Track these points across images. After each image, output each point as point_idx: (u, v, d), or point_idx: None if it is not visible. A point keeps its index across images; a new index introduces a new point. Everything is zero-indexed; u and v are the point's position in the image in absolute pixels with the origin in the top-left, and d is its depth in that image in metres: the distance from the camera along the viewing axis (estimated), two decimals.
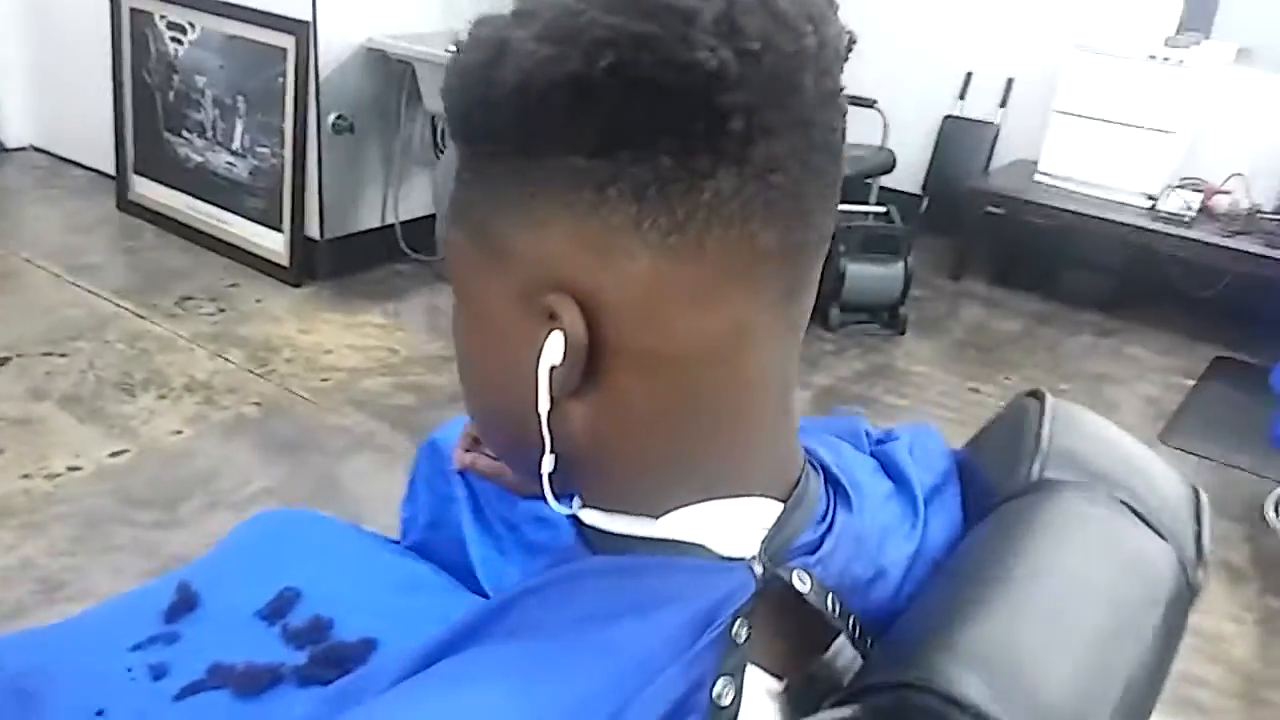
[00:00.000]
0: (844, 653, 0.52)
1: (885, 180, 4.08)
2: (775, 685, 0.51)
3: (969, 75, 4.24)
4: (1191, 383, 3.31)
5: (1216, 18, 3.68)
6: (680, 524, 0.52)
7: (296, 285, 3.24)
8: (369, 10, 3.14)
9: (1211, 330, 3.60)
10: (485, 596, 0.99)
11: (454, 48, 0.51)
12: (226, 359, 2.80)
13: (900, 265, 3.39)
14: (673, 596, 0.49)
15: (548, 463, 0.52)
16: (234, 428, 2.48)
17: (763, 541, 0.52)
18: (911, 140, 4.27)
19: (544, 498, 0.54)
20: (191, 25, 3.34)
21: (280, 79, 3.13)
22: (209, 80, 3.35)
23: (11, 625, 1.73)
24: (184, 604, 0.95)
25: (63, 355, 2.73)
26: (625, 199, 0.46)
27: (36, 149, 4.28)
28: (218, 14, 3.24)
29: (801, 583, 0.52)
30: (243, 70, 3.24)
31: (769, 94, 0.46)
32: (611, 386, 0.50)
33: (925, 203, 4.32)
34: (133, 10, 3.49)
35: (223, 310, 3.07)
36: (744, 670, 0.48)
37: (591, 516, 0.55)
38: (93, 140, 3.86)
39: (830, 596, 0.53)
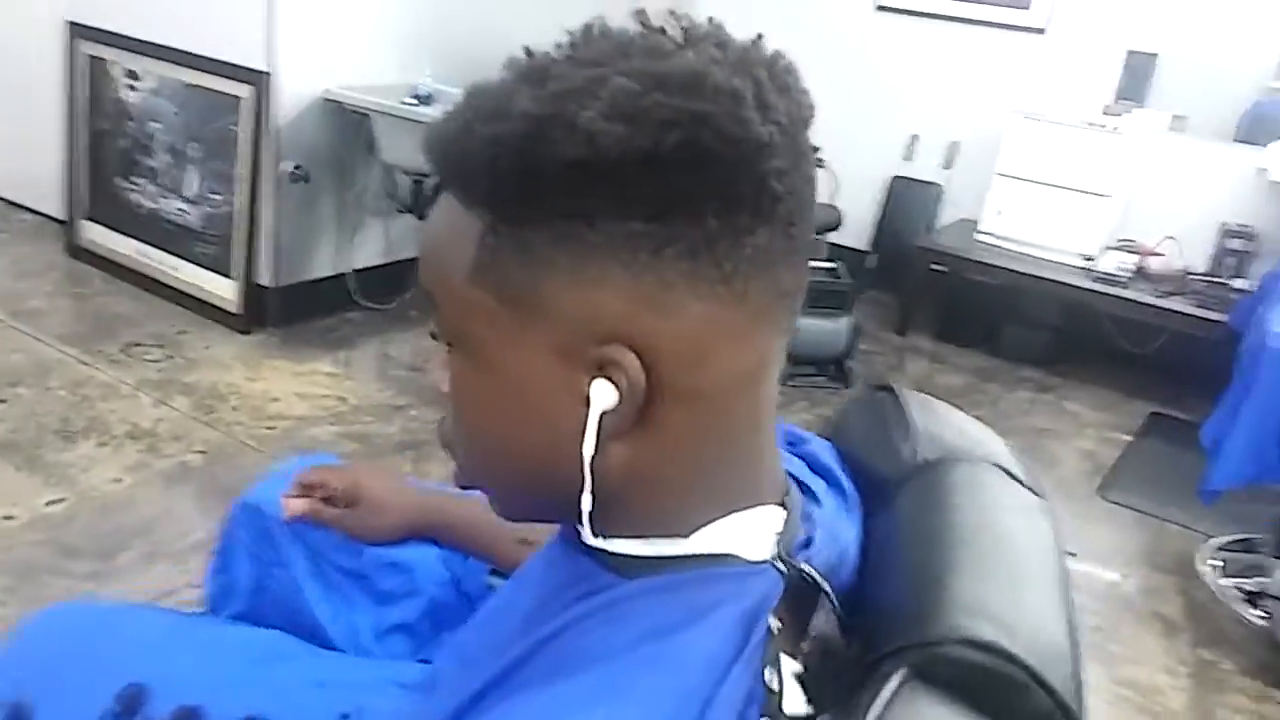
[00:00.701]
0: (832, 628, 0.60)
1: (834, 237, 4.18)
2: (795, 665, 0.58)
3: (914, 137, 4.37)
4: (1128, 438, 3.39)
5: (1152, 88, 3.83)
6: (709, 539, 0.58)
7: (246, 332, 3.23)
8: (326, 62, 3.17)
9: (1147, 387, 3.71)
10: (340, 652, 0.98)
11: (469, 116, 0.53)
12: (171, 406, 2.78)
13: (846, 320, 3.46)
14: (719, 602, 0.54)
15: (587, 501, 0.56)
16: (176, 476, 2.46)
17: (776, 543, 0.59)
18: (860, 198, 4.38)
19: (577, 531, 0.59)
20: (149, 73, 3.36)
21: (236, 127, 3.15)
22: (164, 127, 3.35)
23: None
24: (17, 716, 0.87)
25: (2, 401, 2.69)
26: (680, 257, 0.52)
27: None
28: (177, 63, 3.25)
29: (813, 576, 0.60)
30: (198, 118, 3.26)
31: (793, 159, 0.54)
32: (656, 424, 0.54)
33: (873, 259, 4.45)
34: (90, 57, 3.50)
35: (170, 357, 3.05)
36: (780, 657, 0.55)
37: (621, 545, 0.59)
38: (42, 184, 3.84)
39: (826, 582, 0.61)
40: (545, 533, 0.70)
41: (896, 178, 4.41)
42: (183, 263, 3.38)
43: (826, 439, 0.78)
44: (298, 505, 0.95)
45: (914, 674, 0.55)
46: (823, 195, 3.28)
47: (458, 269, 0.55)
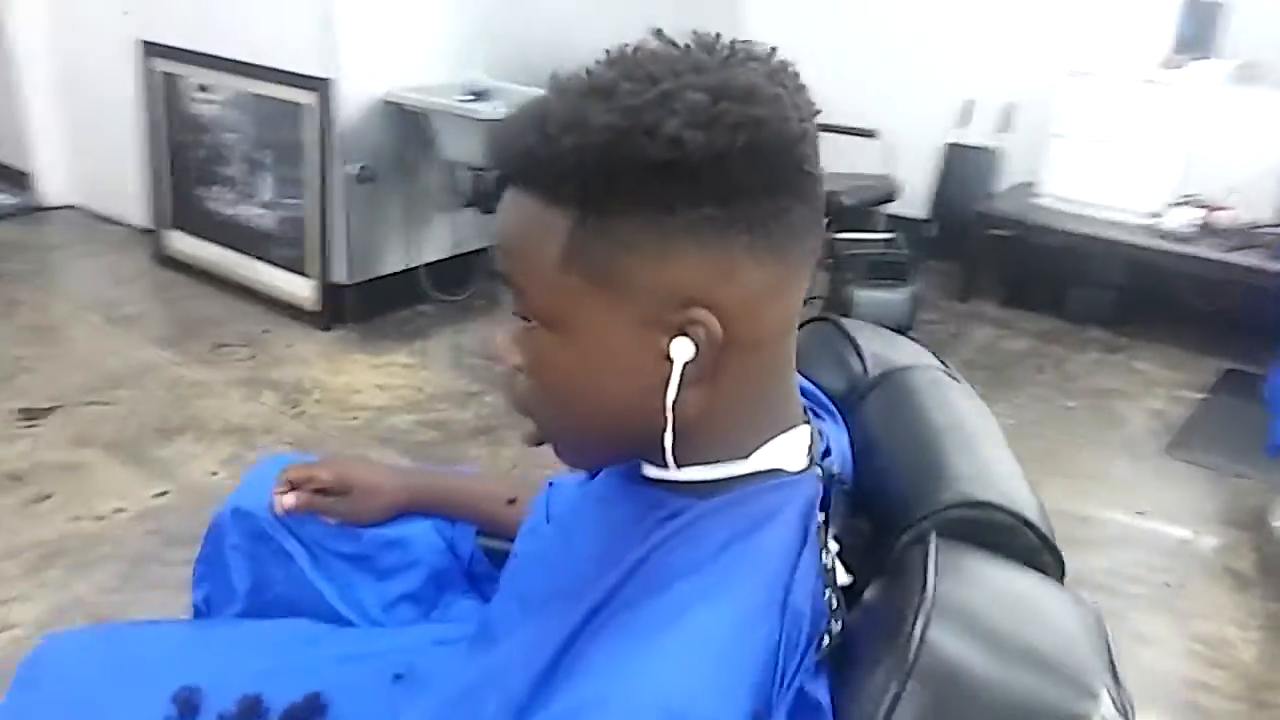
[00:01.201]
0: (847, 510, 0.75)
1: (891, 208, 4.19)
2: (834, 546, 0.72)
3: (970, 102, 4.34)
4: (1200, 396, 3.36)
5: (1219, 35, 3.76)
6: (763, 457, 0.70)
7: (326, 329, 3.38)
8: (384, 66, 3.29)
9: (1218, 343, 3.66)
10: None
11: (545, 129, 0.62)
12: (260, 402, 2.94)
13: (907, 290, 3.47)
14: (780, 507, 0.67)
15: (669, 439, 0.67)
16: None
17: (808, 455, 0.71)
18: (916, 167, 4.37)
19: (664, 464, 0.69)
20: (219, 86, 3.52)
21: (303, 133, 3.29)
22: (237, 136, 3.52)
23: None
24: None
25: (105, 403, 2.87)
26: (741, 233, 0.63)
27: (75, 207, 4.47)
28: (243, 74, 3.41)
29: (841, 479, 0.74)
30: (268, 126, 3.41)
31: (814, 147, 0.66)
32: (723, 369, 0.66)
33: (932, 228, 4.44)
34: (164, 74, 3.67)
35: (255, 355, 3.21)
36: (827, 543, 0.70)
37: (693, 473, 0.70)
38: (129, 197, 4.04)
39: (846, 482, 0.76)
40: (531, 491, 0.79)
41: (952, 145, 4.39)
42: (262, 265, 3.54)
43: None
44: (290, 500, 1.04)
45: (937, 535, 0.70)
46: (878, 166, 3.32)
47: (546, 259, 0.64)
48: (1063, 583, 0.74)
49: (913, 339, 1.01)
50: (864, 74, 4.45)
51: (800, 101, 0.65)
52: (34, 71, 4.25)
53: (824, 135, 3.01)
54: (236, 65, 3.43)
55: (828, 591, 0.67)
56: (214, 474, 2.56)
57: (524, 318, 0.68)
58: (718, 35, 0.68)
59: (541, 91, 0.66)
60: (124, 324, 3.39)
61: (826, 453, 0.76)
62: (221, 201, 3.64)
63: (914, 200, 4.42)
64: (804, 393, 0.83)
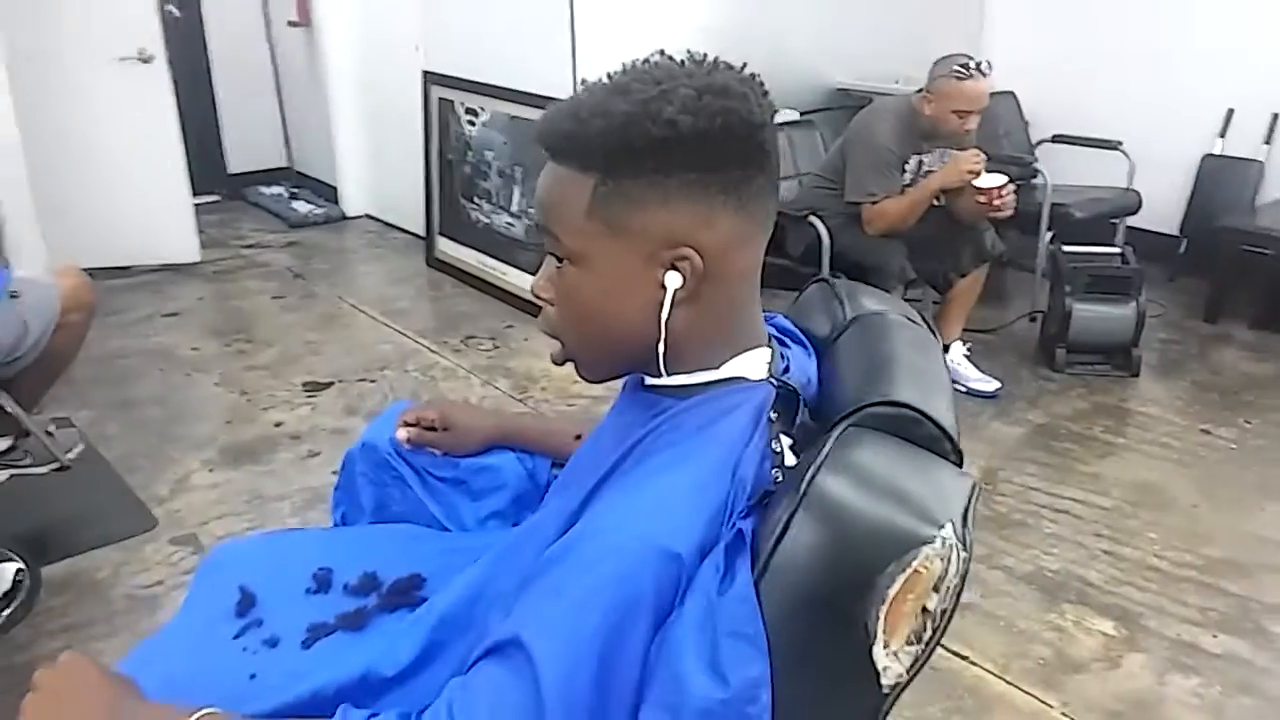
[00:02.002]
0: (806, 419, 0.93)
1: (1138, 221, 4.04)
2: (787, 440, 0.90)
3: (1230, 112, 4.09)
4: None
5: None
6: (730, 368, 0.91)
7: None
8: None
9: None
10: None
11: (579, 114, 0.84)
12: (495, 386, 3.33)
13: (1132, 305, 3.36)
14: (740, 403, 0.89)
15: (663, 349, 0.88)
16: None
17: (768, 369, 0.92)
18: (1167, 180, 4.18)
19: (658, 372, 0.91)
20: (483, 109, 4.00)
21: None
22: (495, 154, 3.98)
23: None
24: (247, 600, 1.14)
25: (372, 381, 3.37)
26: (719, 193, 0.84)
27: (370, 217, 5.18)
28: (503, 99, 3.86)
29: (794, 387, 0.92)
30: (520, 144, 3.84)
31: (772, 132, 0.87)
32: (702, 296, 0.87)
33: (1183, 244, 4.21)
34: (440, 100, 4.21)
35: (497, 347, 3.63)
36: (779, 435, 0.89)
37: (678, 379, 0.92)
38: (410, 208, 4.64)
39: (799, 391, 0.93)
40: (593, 427, 1.00)
41: (1208, 156, 4.15)
42: (510, 268, 3.98)
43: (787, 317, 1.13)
44: (403, 434, 1.31)
45: (853, 424, 0.87)
46: (1119, 179, 3.34)
47: (576, 212, 0.85)
48: (960, 467, 0.90)
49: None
50: (1113, 83, 4.31)
51: (762, 100, 0.86)
52: (342, 100, 4.99)
53: (1063, 147, 3.28)
54: (497, 90, 3.89)
55: (775, 469, 0.87)
56: None
57: (557, 258, 0.90)
58: (705, 55, 0.89)
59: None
60: (395, 317, 3.93)
61: (786, 370, 0.96)
62: (480, 211, 4.12)
63: (1164, 214, 4.23)
64: (786, 331, 1.05)
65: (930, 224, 3.11)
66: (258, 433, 3.02)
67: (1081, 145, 4.10)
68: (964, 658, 2.11)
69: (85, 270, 2.32)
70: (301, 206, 5.24)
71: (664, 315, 0.86)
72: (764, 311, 0.99)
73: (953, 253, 3.19)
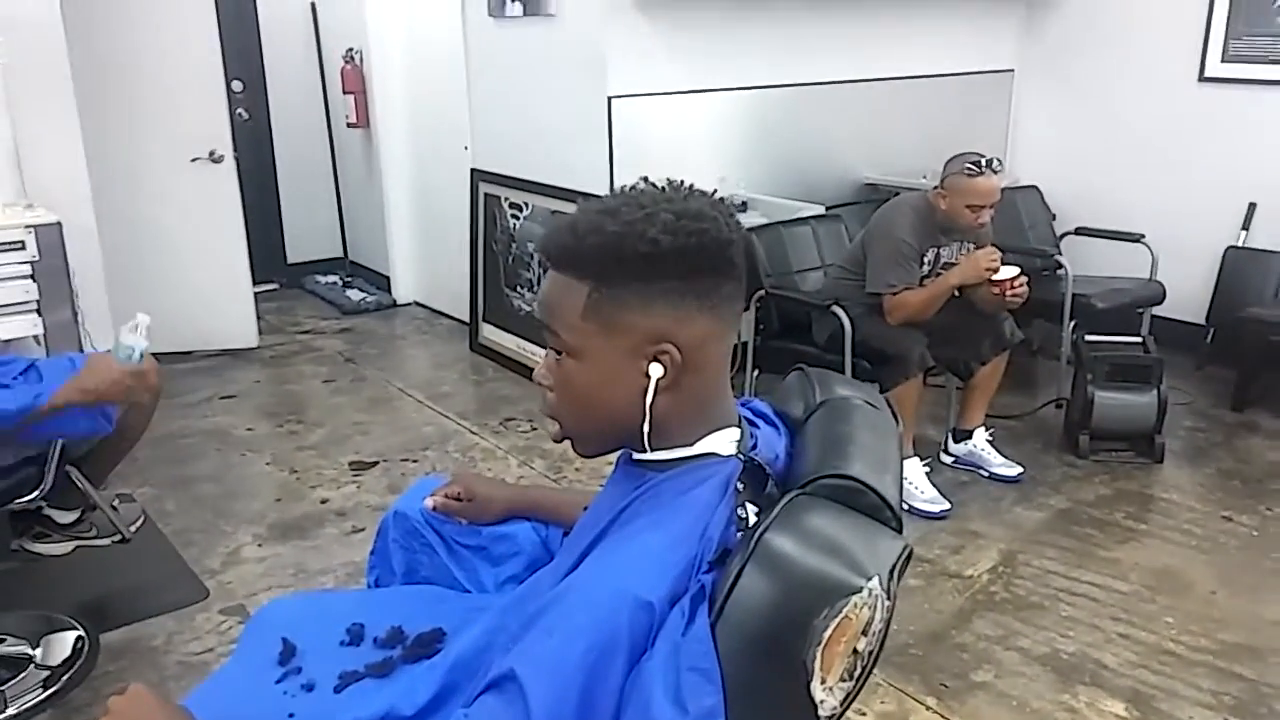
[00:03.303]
0: (773, 489, 1.06)
1: (1165, 311, 4.12)
2: (754, 508, 1.03)
3: (1252, 205, 4.19)
4: None
5: None
6: (704, 445, 1.05)
7: None
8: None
9: None
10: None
11: (577, 232, 1.00)
12: (531, 466, 3.47)
13: (1153, 393, 3.43)
14: (711, 475, 1.02)
15: (647, 428, 1.02)
16: None
17: (738, 446, 1.05)
18: (1192, 271, 4.27)
19: (643, 448, 1.05)
20: (526, 204, 4.23)
21: None
22: (535, 245, 4.19)
23: None
24: (288, 651, 1.29)
25: (414, 461, 3.53)
26: (694, 297, 0.99)
27: (418, 304, 5.42)
28: (544, 194, 4.08)
29: (760, 462, 1.05)
30: None
31: (740, 246, 1.02)
32: (680, 383, 1.00)
33: (1209, 334, 4.28)
34: (486, 195, 4.46)
35: (534, 429, 3.78)
36: (746, 503, 1.02)
37: (657, 455, 1.05)
38: (456, 296, 4.87)
39: (766, 465, 1.07)
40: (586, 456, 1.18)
41: (1231, 248, 4.24)
42: None
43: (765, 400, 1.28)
44: (430, 501, 1.47)
45: (804, 492, 1.01)
46: (1143, 270, 3.47)
47: (572, 313, 1.00)
48: (899, 533, 1.02)
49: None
50: (1137, 176, 4.44)
51: (729, 220, 1.02)
52: (395, 195, 5.28)
53: (1088, 239, 3.49)
54: (540, 187, 4.11)
55: (739, 532, 1.01)
56: None
57: (556, 351, 1.04)
58: (682, 181, 1.06)
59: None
60: (439, 399, 4.11)
61: (754, 446, 1.09)
62: (521, 300, 4.32)
63: (1189, 304, 4.31)
64: (760, 413, 1.19)
65: (950, 313, 3.23)
66: (305, 510, 3.18)
67: (1105, 238, 4.22)
68: None
69: (151, 354, 2.52)
70: (355, 294, 5.50)
71: (648, 400, 1.00)
72: (753, 395, 1.12)
73: (973, 341, 3.30)
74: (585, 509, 1.42)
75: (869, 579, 0.90)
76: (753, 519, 1.02)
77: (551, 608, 0.93)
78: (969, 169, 3.05)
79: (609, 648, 0.89)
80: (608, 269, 0.98)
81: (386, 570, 1.53)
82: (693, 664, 0.88)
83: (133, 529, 2.60)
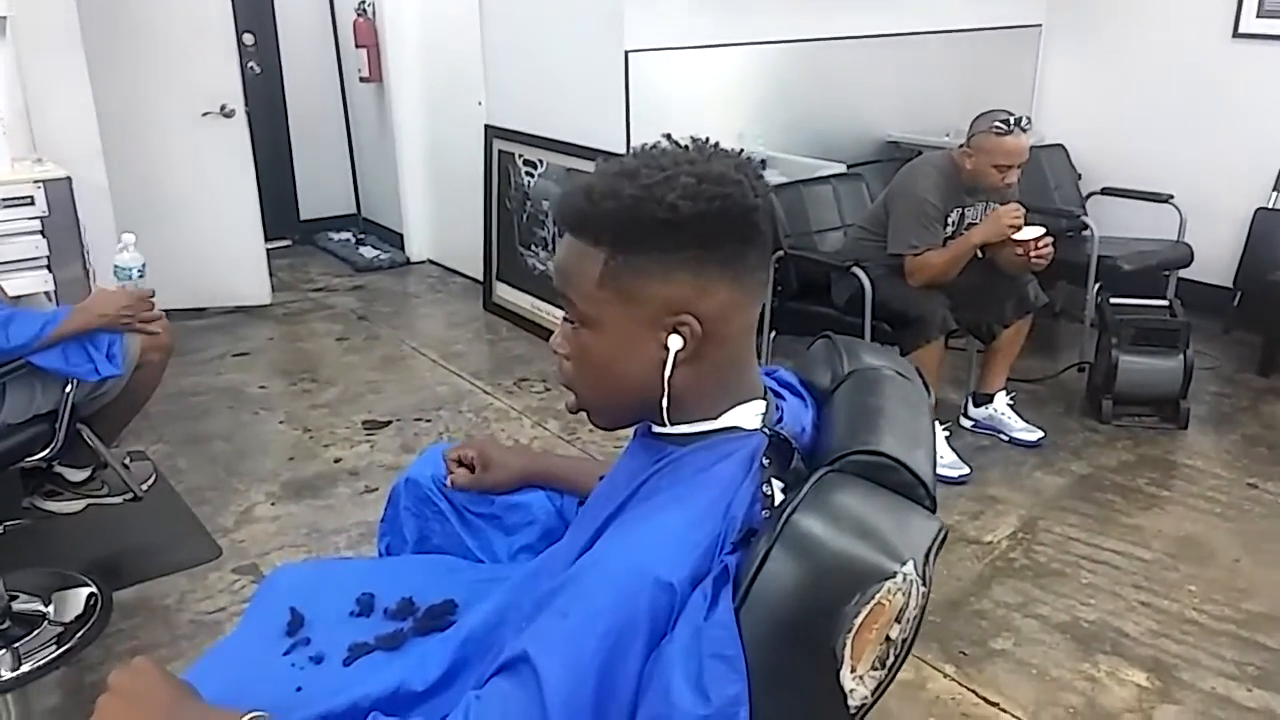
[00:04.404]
0: (799, 465, 0.98)
1: (1190, 274, 4.04)
2: (779, 484, 0.97)
3: None
4: None
5: None
6: (727, 418, 1.00)
7: None
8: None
9: None
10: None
11: (593, 196, 0.95)
12: (545, 428, 3.44)
13: (1179, 358, 3.36)
14: (734, 450, 0.98)
15: (665, 403, 0.97)
16: None
17: (763, 419, 1.01)
18: (1220, 233, 4.18)
19: (662, 422, 1.00)
20: (541, 161, 4.16)
21: None
22: (551, 203, 4.12)
23: None
24: (296, 621, 1.26)
25: (428, 421, 3.50)
26: (716, 265, 0.94)
27: (432, 262, 5.37)
28: (558, 151, 4.01)
29: (785, 436, 0.99)
30: None
31: (766, 211, 0.96)
32: (701, 356, 0.95)
33: (1237, 297, 4.19)
34: (500, 151, 4.39)
35: (548, 389, 3.74)
36: (771, 479, 0.96)
37: (679, 429, 1.01)
38: (470, 254, 4.82)
39: (792, 440, 0.99)
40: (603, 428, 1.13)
41: (1261, 209, 4.14)
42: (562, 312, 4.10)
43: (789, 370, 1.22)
44: (451, 479, 1.42)
45: (833, 469, 0.96)
46: (1170, 232, 3.39)
47: (588, 281, 0.95)
48: (934, 513, 0.97)
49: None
50: (1164, 137, 4.34)
51: (755, 183, 0.95)
52: (408, 151, 5.21)
53: (1114, 199, 3.39)
54: (554, 144, 4.04)
55: (764, 510, 0.95)
56: None
57: (571, 321, 1.00)
58: (706, 139, 1.00)
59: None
60: (453, 359, 4.08)
61: (780, 420, 1.04)
62: (536, 259, 4.27)
63: (1217, 267, 4.22)
64: (785, 384, 1.14)
65: (973, 275, 3.16)
66: (318, 469, 3.16)
67: (1132, 198, 4.12)
68: (994, 704, 2.14)
69: (164, 311, 2.49)
70: (368, 252, 5.46)
71: (666, 373, 0.95)
72: (775, 364, 1.07)
73: (996, 304, 3.23)
74: (601, 478, 1.39)
75: (903, 563, 0.85)
76: (778, 496, 0.96)
77: (567, 587, 0.89)
78: (997, 127, 2.97)
79: (627, 630, 0.85)
80: (624, 235, 0.93)
81: (398, 538, 1.50)
82: (716, 650, 0.84)
83: (144, 487, 2.58)
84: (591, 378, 1.01)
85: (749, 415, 1.01)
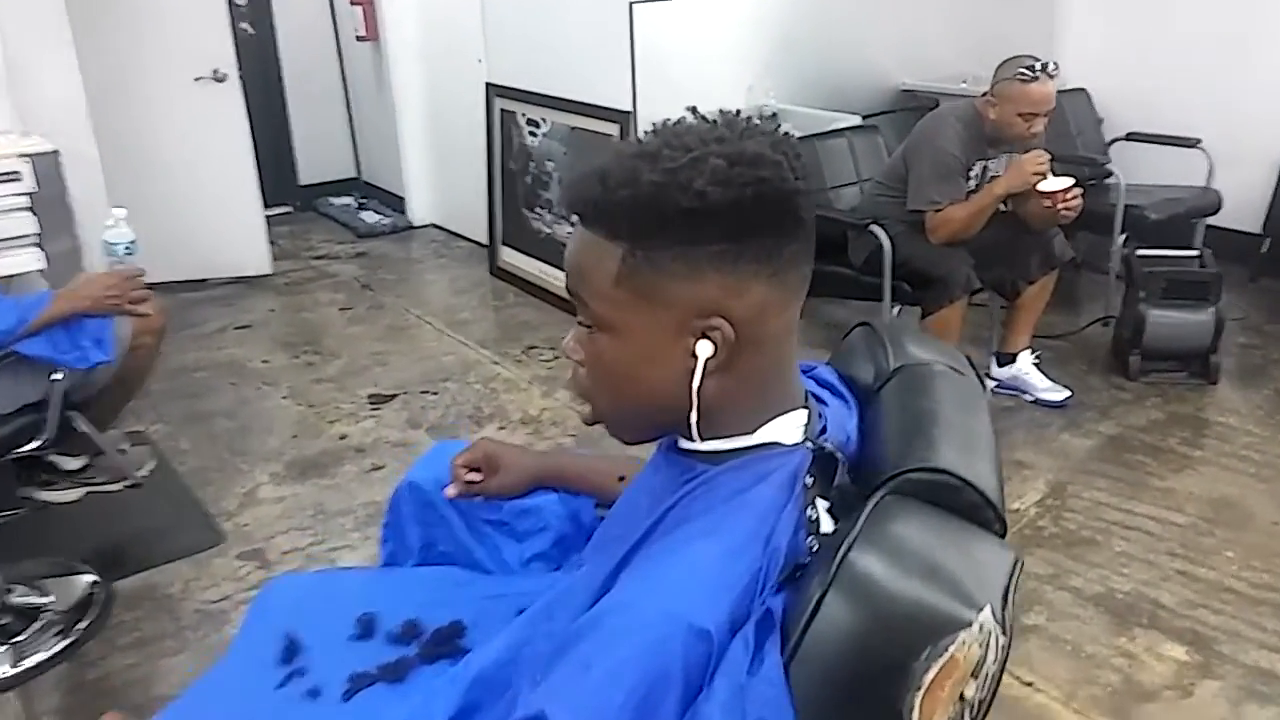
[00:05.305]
0: (845, 480, 0.89)
1: (1218, 221, 3.90)
2: (823, 504, 0.88)
3: None
4: None
5: None
6: (765, 433, 0.89)
7: None
8: (680, 97, 3.57)
9: None
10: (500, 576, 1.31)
11: (608, 183, 0.83)
12: (555, 398, 3.35)
13: (1210, 311, 3.24)
14: (774, 469, 0.87)
15: (694, 417, 0.86)
16: None
17: (804, 432, 0.90)
18: (1248, 177, 4.02)
19: (690, 436, 0.89)
20: (544, 120, 4.02)
21: None
22: (556, 164, 4.00)
23: None
24: (291, 648, 1.17)
25: (434, 394, 3.41)
26: (750, 262, 0.82)
27: (435, 226, 5.25)
28: (562, 110, 3.88)
29: (831, 449, 0.90)
30: (581, 154, 3.85)
31: (808, 198, 0.84)
32: (735, 363, 0.84)
33: (1266, 244, 4.06)
34: (502, 111, 4.25)
35: (558, 358, 3.64)
36: (815, 499, 0.86)
37: (711, 445, 0.90)
38: (474, 218, 4.69)
39: (838, 453, 0.90)
40: (638, 469, 0.98)
41: None
42: None
43: (828, 364, 1.10)
44: (452, 490, 1.30)
45: (892, 491, 0.85)
46: (1196, 178, 3.24)
47: (605, 279, 0.83)
48: (1003, 537, 0.86)
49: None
50: (1190, 78, 4.16)
51: (796, 165, 0.83)
52: (408, 112, 5.06)
53: (1139, 145, 3.23)
54: (558, 101, 3.90)
55: (809, 537, 0.84)
56: None
57: (586, 324, 0.88)
58: (737, 112, 0.88)
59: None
60: (459, 327, 3.98)
61: (823, 430, 0.92)
62: (542, 221, 4.14)
63: (1246, 213, 4.07)
64: (825, 383, 1.02)
65: (996, 230, 3.04)
66: (323, 446, 3.08)
67: (1158, 143, 3.96)
68: (1028, 684, 2.05)
69: (161, 284, 2.38)
70: (369, 217, 5.33)
71: (695, 384, 0.84)
72: (809, 360, 0.97)
73: (1020, 260, 3.11)
74: (622, 479, 1.29)
75: (979, 610, 0.74)
76: (825, 521, 0.86)
77: (587, 633, 0.78)
78: (1022, 74, 2.82)
79: (658, 685, 0.73)
80: (645, 228, 0.81)
81: (401, 545, 1.39)
82: (763, 711, 0.73)
83: (142, 473, 2.51)
84: (610, 388, 0.90)
85: (790, 428, 0.90)
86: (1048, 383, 3.21)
